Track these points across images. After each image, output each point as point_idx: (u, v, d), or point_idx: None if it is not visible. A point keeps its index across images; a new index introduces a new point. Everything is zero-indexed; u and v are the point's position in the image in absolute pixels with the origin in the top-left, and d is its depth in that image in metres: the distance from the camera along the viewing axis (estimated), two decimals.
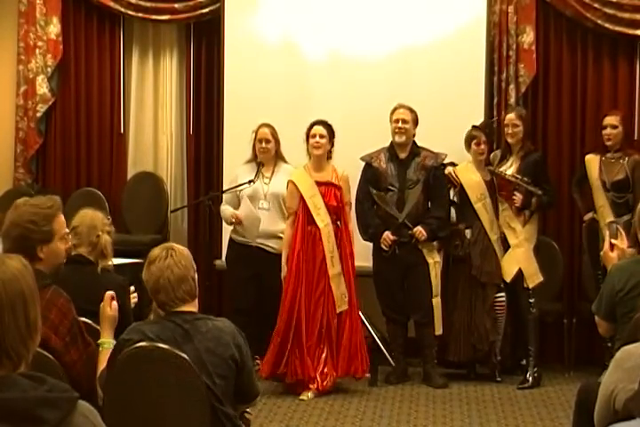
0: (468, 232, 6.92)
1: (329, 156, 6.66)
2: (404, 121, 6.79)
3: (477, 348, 6.87)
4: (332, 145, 6.64)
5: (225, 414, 3.48)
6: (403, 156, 6.86)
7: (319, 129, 6.61)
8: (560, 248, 7.31)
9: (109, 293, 3.82)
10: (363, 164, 6.92)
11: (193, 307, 3.58)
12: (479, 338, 6.85)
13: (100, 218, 4.39)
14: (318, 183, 6.59)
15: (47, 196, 3.79)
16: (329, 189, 6.60)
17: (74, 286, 3.70)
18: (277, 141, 6.89)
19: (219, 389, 3.44)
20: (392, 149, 6.87)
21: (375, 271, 6.92)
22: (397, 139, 6.82)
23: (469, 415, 6.08)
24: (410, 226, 6.76)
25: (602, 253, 4.53)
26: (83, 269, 4.20)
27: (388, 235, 6.74)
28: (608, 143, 6.83)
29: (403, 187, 6.82)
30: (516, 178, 6.83)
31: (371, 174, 6.86)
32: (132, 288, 4.40)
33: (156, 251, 3.60)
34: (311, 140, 6.60)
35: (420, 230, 6.75)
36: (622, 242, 4.45)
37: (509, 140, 6.94)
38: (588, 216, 7.02)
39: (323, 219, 6.53)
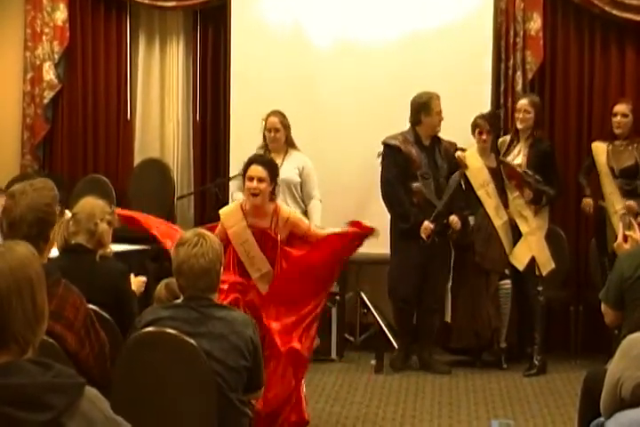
0: (472, 219, 6.91)
1: (271, 197, 5.31)
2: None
3: (480, 335, 6.86)
4: (275, 185, 5.31)
5: (232, 400, 3.49)
6: (427, 142, 6.79)
7: (258, 170, 5.23)
8: (566, 236, 7.29)
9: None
10: (373, 150, 6.83)
11: (212, 296, 3.62)
12: (482, 325, 6.84)
13: (100, 206, 4.33)
14: (253, 230, 5.28)
15: (39, 179, 3.78)
16: (265, 239, 5.28)
17: (73, 276, 3.66)
18: (287, 128, 6.77)
19: (227, 374, 3.45)
20: (416, 135, 6.75)
21: (400, 258, 6.78)
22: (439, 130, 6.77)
23: (475, 403, 6.08)
24: (445, 215, 6.72)
25: (615, 244, 4.55)
26: (81, 258, 4.18)
27: (428, 225, 6.64)
28: (617, 131, 6.79)
29: (437, 175, 6.77)
30: (526, 173, 6.78)
31: (401, 160, 6.70)
32: (144, 278, 4.40)
33: (188, 234, 3.63)
34: (248, 184, 5.25)
35: (456, 220, 6.74)
36: (635, 233, 4.47)
37: (519, 125, 6.89)
38: (586, 202, 6.96)
39: (259, 268, 5.25)
